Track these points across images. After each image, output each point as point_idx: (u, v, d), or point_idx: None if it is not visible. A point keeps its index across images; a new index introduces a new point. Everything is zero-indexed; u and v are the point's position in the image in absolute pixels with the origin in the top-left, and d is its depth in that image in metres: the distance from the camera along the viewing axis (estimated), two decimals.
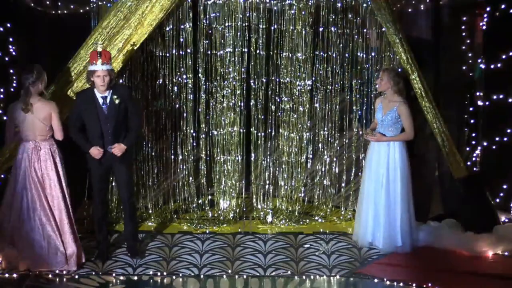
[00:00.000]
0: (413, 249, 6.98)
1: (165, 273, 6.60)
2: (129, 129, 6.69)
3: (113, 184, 7.58)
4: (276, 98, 7.74)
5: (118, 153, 6.59)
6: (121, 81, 7.40)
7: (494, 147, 7.58)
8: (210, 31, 7.53)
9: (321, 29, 7.52)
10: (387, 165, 6.91)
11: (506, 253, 6.95)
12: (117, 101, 6.53)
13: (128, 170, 6.81)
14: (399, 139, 6.92)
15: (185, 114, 7.69)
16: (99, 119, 6.53)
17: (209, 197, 8.01)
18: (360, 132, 7.69)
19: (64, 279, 6.46)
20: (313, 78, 7.67)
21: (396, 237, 6.95)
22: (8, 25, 7.01)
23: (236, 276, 6.57)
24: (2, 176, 6.89)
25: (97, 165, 6.65)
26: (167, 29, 7.43)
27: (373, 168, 7.00)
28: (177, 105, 7.67)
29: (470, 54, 7.49)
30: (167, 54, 7.50)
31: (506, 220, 7.55)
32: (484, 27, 7.40)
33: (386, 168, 6.92)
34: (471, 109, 7.59)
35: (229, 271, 6.65)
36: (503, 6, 7.27)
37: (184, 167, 7.83)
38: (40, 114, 6.46)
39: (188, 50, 7.51)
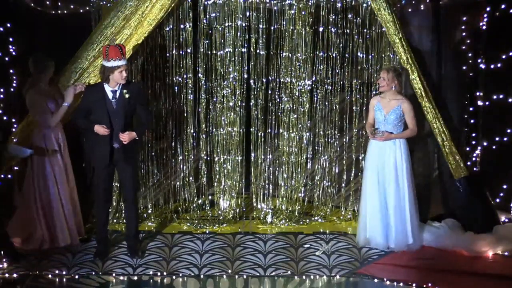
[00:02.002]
0: (419, 247, 7.00)
1: (165, 273, 6.60)
2: (138, 124, 6.73)
3: (115, 184, 7.57)
4: (276, 98, 7.75)
5: (126, 140, 6.54)
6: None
7: (494, 147, 7.58)
8: (210, 31, 7.53)
9: (321, 29, 7.52)
10: (395, 164, 6.91)
11: (506, 253, 6.96)
12: (127, 96, 6.53)
13: (133, 170, 6.80)
14: (406, 136, 6.95)
15: (185, 114, 7.70)
16: (108, 114, 6.53)
17: (209, 197, 8.01)
18: (361, 132, 7.69)
19: (64, 279, 6.46)
20: (313, 78, 7.67)
21: (408, 235, 6.96)
22: (8, 25, 7.01)
23: (236, 276, 6.58)
24: (2, 176, 6.89)
25: (103, 165, 6.64)
26: (167, 29, 7.44)
27: (378, 167, 6.97)
28: (177, 105, 7.67)
29: (470, 54, 7.48)
30: (167, 54, 7.51)
31: (506, 220, 7.55)
32: (484, 27, 7.40)
33: (394, 166, 6.91)
34: (471, 109, 7.58)
35: (229, 271, 6.65)
36: (503, 6, 7.27)
37: (184, 167, 7.83)
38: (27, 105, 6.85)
39: (188, 50, 7.51)
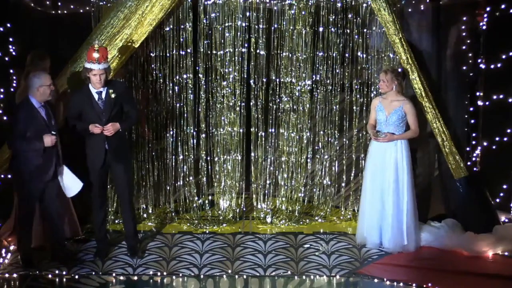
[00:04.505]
0: (416, 248, 6.99)
1: (165, 273, 6.60)
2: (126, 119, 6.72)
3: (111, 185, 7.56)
4: (276, 98, 7.75)
5: (111, 131, 6.50)
6: (121, 81, 7.40)
7: (494, 147, 7.58)
8: (210, 31, 7.53)
9: (321, 29, 7.53)
10: (396, 165, 6.90)
11: (506, 253, 6.96)
12: (113, 95, 6.54)
13: (126, 170, 6.79)
14: (408, 137, 6.94)
15: (185, 114, 7.70)
16: (96, 115, 6.53)
17: (209, 197, 8.01)
18: (361, 134, 7.69)
19: (64, 279, 6.46)
20: (313, 78, 7.67)
21: (402, 237, 6.95)
22: (8, 25, 7.01)
23: (236, 276, 6.58)
24: (2, 176, 6.89)
25: (97, 166, 6.64)
26: (167, 29, 7.44)
27: (379, 168, 6.97)
28: (177, 105, 7.67)
29: (470, 54, 7.48)
30: (167, 54, 7.51)
31: (506, 220, 7.56)
32: (484, 27, 7.40)
33: (394, 167, 6.90)
34: (471, 109, 7.58)
35: (229, 271, 6.65)
36: (503, 6, 7.27)
37: (185, 167, 7.83)
38: None
39: (188, 50, 7.51)
